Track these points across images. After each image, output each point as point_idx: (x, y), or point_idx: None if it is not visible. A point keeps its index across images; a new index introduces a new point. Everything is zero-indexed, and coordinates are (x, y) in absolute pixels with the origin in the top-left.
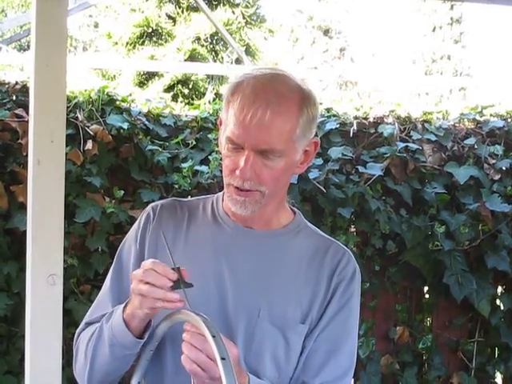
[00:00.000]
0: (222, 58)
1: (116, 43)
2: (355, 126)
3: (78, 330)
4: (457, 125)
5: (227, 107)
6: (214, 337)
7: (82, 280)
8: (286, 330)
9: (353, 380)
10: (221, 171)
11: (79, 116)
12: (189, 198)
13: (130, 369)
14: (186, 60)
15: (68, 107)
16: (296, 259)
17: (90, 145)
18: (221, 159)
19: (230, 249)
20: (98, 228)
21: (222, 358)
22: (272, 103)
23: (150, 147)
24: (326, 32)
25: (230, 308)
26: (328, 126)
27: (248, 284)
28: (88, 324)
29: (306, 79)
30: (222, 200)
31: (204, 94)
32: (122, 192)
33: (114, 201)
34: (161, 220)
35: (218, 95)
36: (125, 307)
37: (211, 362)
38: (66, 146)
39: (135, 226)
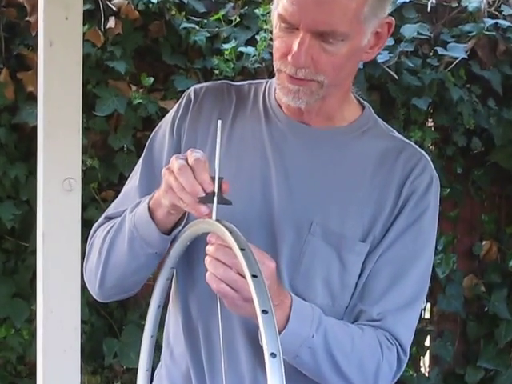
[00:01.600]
0: None
1: None
2: None
3: (94, 226)
4: None
5: None
6: (242, 250)
7: (104, 185)
8: (343, 249)
9: (429, 304)
10: (270, 53)
11: None
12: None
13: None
14: None
15: None
16: (360, 163)
17: (112, 22)
18: (271, 39)
19: (280, 148)
20: (123, 122)
21: (254, 276)
22: None
23: (184, 25)
24: None
25: (276, 219)
26: None
27: (299, 191)
28: (108, 218)
29: None
30: (275, 88)
31: None
32: (152, 79)
33: (141, 90)
34: (203, 105)
35: None
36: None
37: (243, 279)
38: (84, 23)
39: (173, 110)
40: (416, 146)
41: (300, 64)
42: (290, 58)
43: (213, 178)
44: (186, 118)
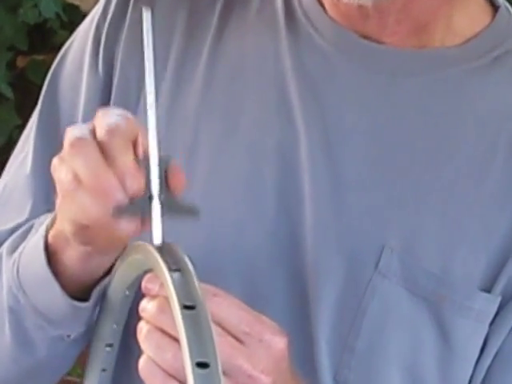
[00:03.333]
0: None
1: None
2: None
3: None
4: None
5: None
6: (188, 308)
7: None
8: (445, 307)
9: None
10: None
11: None
12: None
13: None
14: None
15: None
16: (483, 132)
17: None
18: None
19: (319, 91)
20: None
21: (199, 365)
22: None
23: None
24: None
25: (307, 246)
26: None
27: (357, 186)
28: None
29: None
30: None
31: None
32: None
33: None
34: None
35: None
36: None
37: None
38: None
39: (95, 15)
40: None
41: None
42: None
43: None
44: (122, 30)
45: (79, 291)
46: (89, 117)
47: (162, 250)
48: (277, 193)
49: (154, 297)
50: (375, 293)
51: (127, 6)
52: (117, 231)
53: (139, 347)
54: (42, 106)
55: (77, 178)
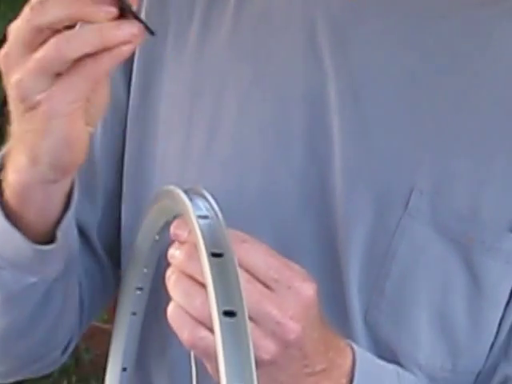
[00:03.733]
0: None
1: None
2: None
3: None
4: None
5: None
6: (216, 255)
7: None
8: (475, 250)
9: None
10: None
11: None
12: None
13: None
14: None
15: None
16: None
17: None
18: None
19: (343, 39)
20: None
21: (226, 313)
22: None
23: None
24: None
25: (337, 187)
26: None
27: (388, 128)
28: None
29: None
30: None
31: None
32: None
33: None
34: None
35: None
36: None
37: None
38: None
39: None
40: None
41: None
42: None
43: None
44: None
45: (46, 236)
46: None
47: (191, 195)
48: (306, 137)
49: (182, 243)
50: (404, 234)
51: None
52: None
53: (168, 293)
54: None
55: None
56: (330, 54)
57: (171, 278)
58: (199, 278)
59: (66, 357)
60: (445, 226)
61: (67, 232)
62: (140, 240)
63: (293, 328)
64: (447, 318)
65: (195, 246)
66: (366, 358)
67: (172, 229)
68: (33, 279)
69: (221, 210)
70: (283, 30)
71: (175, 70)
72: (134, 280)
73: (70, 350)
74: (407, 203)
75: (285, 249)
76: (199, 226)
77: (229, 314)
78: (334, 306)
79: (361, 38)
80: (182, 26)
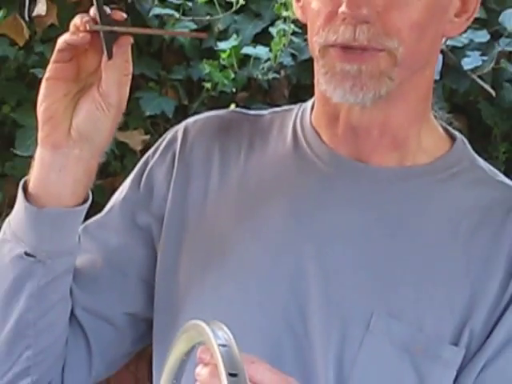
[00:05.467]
0: None
1: None
2: None
3: None
4: None
5: None
6: (232, 376)
7: None
8: (422, 357)
9: None
10: (294, 56)
11: None
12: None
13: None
14: None
15: None
16: (446, 224)
17: (42, 7)
18: (294, 33)
19: (320, 204)
20: None
21: (232, 375)
22: None
23: (157, 11)
24: None
25: (313, 316)
26: None
27: (350, 271)
28: None
29: None
30: (311, 112)
31: None
32: None
33: None
34: (195, 145)
35: None
36: None
37: None
38: None
39: (147, 155)
40: None
41: (361, 12)
42: (343, 8)
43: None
44: (170, 171)
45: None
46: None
47: (212, 327)
48: (288, 270)
49: (206, 364)
50: (365, 349)
51: (173, 153)
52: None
53: None
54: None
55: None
56: (307, 219)
57: None
58: None
59: None
60: (398, 340)
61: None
62: (171, 360)
63: None
64: None
65: (216, 367)
66: None
67: (198, 353)
68: (20, 248)
69: (234, 338)
70: (273, 202)
71: (197, 220)
72: None
73: None
74: (368, 325)
75: (274, 362)
76: (220, 352)
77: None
78: None
79: (333, 202)
80: (201, 183)
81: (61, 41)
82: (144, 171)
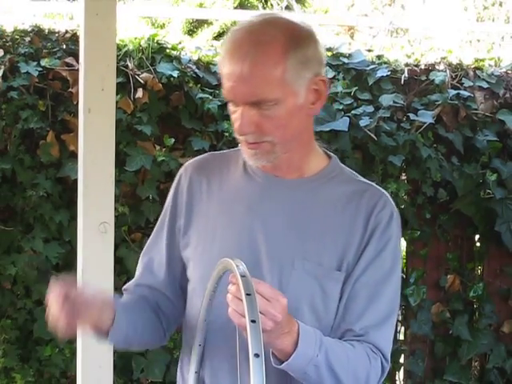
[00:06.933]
0: (272, 5)
1: None
2: (406, 74)
3: (124, 286)
4: (509, 72)
5: (220, 66)
6: (248, 295)
7: (133, 228)
8: (323, 279)
9: (403, 328)
10: None
11: (129, 64)
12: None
13: None
14: (235, 8)
15: (118, 55)
16: (330, 205)
17: (140, 93)
18: None
19: (261, 200)
20: (149, 176)
21: (252, 321)
22: (250, 54)
23: (200, 95)
24: None
25: (264, 261)
26: (379, 74)
27: (281, 235)
28: (136, 286)
29: (306, 20)
30: None
31: None
32: (173, 140)
33: (164, 149)
34: (192, 177)
35: None
36: None
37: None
38: (117, 94)
39: (171, 191)
40: (377, 186)
41: (244, 131)
42: (236, 127)
43: None
44: (183, 194)
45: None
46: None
47: (236, 262)
48: (248, 238)
49: (233, 283)
50: (293, 278)
51: (180, 184)
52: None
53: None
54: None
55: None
56: (255, 210)
57: (230, 298)
58: (241, 300)
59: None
60: (310, 272)
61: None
62: (211, 281)
63: (279, 317)
64: (315, 308)
65: (238, 288)
66: (302, 325)
67: (229, 277)
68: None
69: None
70: (237, 202)
71: (202, 215)
72: (203, 314)
73: (169, 335)
74: (293, 265)
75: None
76: (240, 279)
77: (253, 321)
78: None
79: (267, 199)
80: (198, 198)
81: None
82: (174, 194)
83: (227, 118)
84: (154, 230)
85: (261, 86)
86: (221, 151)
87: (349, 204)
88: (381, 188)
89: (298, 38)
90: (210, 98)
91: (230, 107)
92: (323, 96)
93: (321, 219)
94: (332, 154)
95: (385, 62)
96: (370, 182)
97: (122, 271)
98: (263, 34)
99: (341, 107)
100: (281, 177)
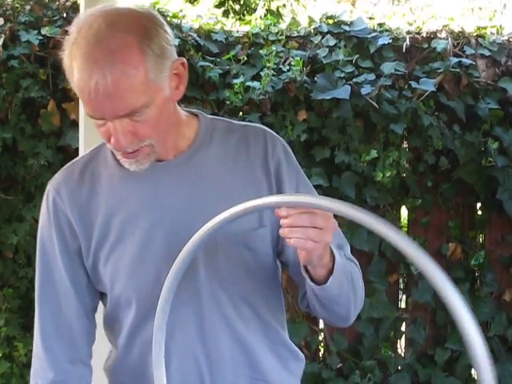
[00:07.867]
0: None
1: None
2: (408, 41)
3: None
4: (511, 40)
5: (70, 76)
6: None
7: None
8: (249, 242)
9: (404, 296)
10: (273, 87)
11: None
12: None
13: None
14: None
15: None
16: (222, 164)
17: None
18: (273, 75)
19: (154, 190)
20: None
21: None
22: (107, 67)
23: (201, 63)
24: None
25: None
26: (380, 41)
27: (188, 217)
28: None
29: (144, 4)
30: None
31: (255, 10)
32: None
33: None
34: (67, 194)
35: (269, 11)
36: None
37: (318, 230)
38: None
39: (43, 222)
40: (254, 124)
41: (122, 146)
42: (113, 143)
43: None
44: (66, 214)
45: None
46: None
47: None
48: (156, 232)
49: (285, 217)
50: (221, 252)
51: (59, 207)
52: None
53: None
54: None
55: None
56: (150, 199)
57: (286, 231)
58: (298, 227)
59: None
60: (234, 240)
61: None
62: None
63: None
64: (249, 270)
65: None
66: (337, 256)
67: (276, 212)
68: None
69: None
70: (128, 202)
71: (102, 227)
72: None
73: None
74: (215, 240)
75: (166, 267)
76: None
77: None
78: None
79: (158, 186)
80: (93, 214)
81: None
82: (53, 219)
83: (228, 86)
84: (37, 285)
85: (129, 98)
86: (75, 159)
87: (238, 154)
88: (256, 124)
89: (146, 32)
90: (211, 66)
91: (96, 121)
92: (184, 77)
93: (220, 184)
94: (194, 110)
95: (386, 30)
96: (243, 124)
97: None
98: (111, 39)
99: (342, 75)
100: (164, 160)
